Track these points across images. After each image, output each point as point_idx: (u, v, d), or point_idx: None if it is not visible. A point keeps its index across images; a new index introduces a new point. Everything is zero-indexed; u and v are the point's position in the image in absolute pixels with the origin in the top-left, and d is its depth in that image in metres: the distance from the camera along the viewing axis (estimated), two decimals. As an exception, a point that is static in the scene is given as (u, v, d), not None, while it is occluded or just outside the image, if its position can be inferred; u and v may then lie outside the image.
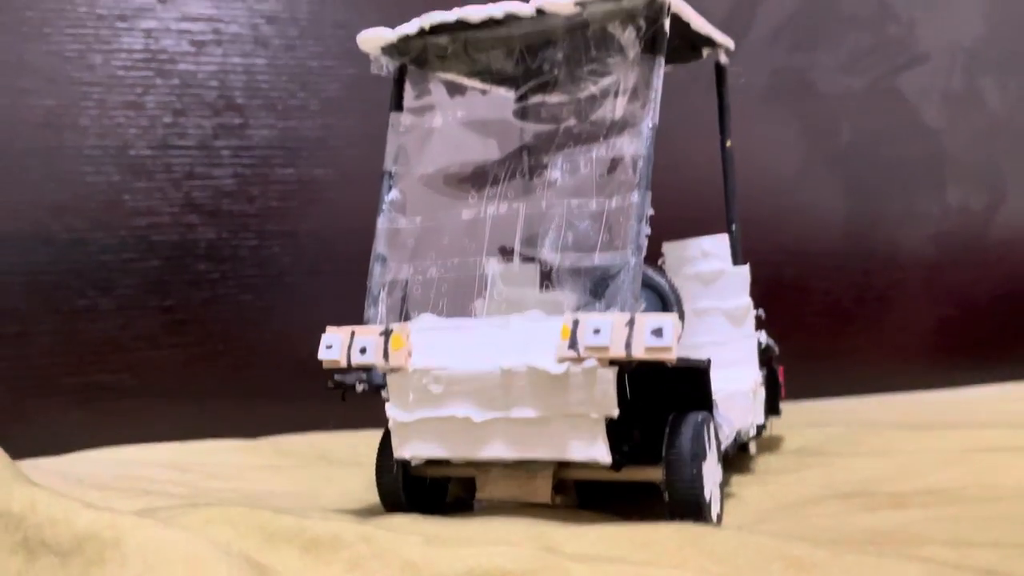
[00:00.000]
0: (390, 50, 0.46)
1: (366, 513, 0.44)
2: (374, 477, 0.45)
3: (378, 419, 0.44)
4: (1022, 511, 0.37)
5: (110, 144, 0.74)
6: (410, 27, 0.44)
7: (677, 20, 0.44)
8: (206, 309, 0.77)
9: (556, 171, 0.42)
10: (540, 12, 0.41)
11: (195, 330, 0.77)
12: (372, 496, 0.48)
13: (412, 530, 0.38)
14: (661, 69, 0.40)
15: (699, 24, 0.47)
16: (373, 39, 0.45)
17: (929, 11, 1.02)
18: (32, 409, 0.72)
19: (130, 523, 0.31)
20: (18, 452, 0.59)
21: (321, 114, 0.80)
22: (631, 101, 0.40)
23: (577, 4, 0.40)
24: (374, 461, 0.45)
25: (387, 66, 0.46)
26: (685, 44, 0.52)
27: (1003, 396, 0.88)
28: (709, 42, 0.52)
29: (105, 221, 0.74)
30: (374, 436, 0.46)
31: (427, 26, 0.43)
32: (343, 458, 0.64)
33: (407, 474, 0.44)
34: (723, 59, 0.55)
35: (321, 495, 0.53)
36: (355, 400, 0.46)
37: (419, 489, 0.45)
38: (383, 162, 0.46)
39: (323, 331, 0.42)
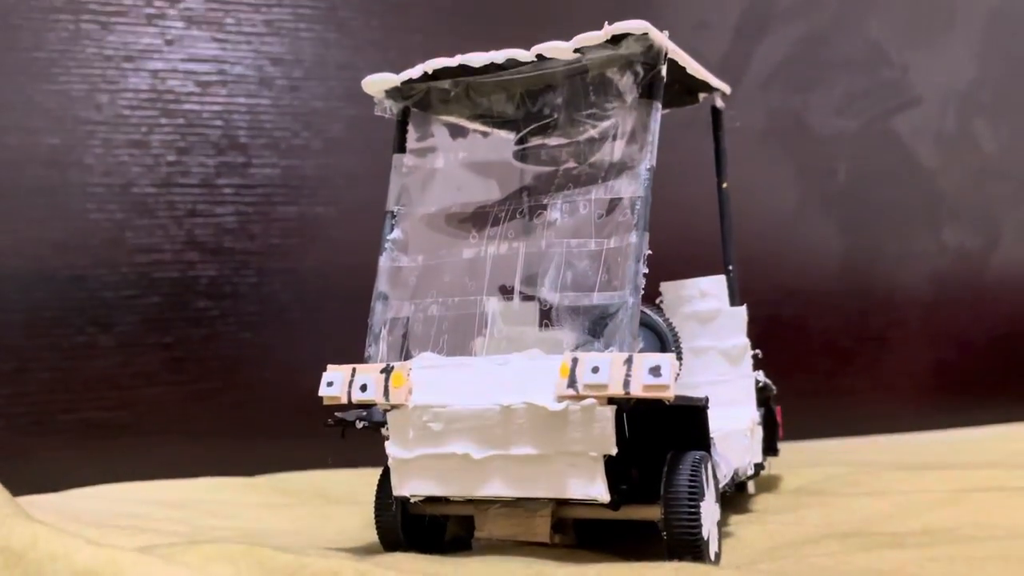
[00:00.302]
0: (394, 93, 0.47)
1: (364, 551, 0.44)
2: (373, 515, 0.45)
3: (376, 458, 0.45)
4: (1017, 551, 0.37)
5: (114, 182, 0.75)
6: (414, 72, 0.45)
7: (674, 66, 0.45)
8: (205, 346, 0.77)
9: (555, 212, 0.42)
10: (541, 58, 0.42)
11: (194, 367, 0.77)
12: (371, 534, 0.48)
13: (410, 568, 0.38)
14: (658, 113, 0.40)
15: (695, 69, 0.48)
16: (378, 83, 0.46)
17: (922, 55, 1.04)
18: (29, 446, 0.72)
19: (130, 560, 0.31)
20: (15, 489, 0.59)
21: (323, 153, 0.81)
22: (629, 144, 0.41)
23: (576, 51, 0.41)
24: (372, 499, 0.45)
25: (391, 109, 0.47)
26: (682, 89, 0.53)
27: (1000, 437, 0.88)
28: (705, 87, 0.53)
29: (107, 258, 0.75)
30: (372, 474, 0.46)
31: (431, 71, 0.44)
32: (341, 496, 0.64)
33: (406, 512, 0.44)
34: (719, 103, 0.56)
35: (319, 533, 0.53)
36: (354, 438, 0.46)
37: (418, 527, 0.45)
38: (385, 201, 0.47)
39: (323, 368, 0.43)
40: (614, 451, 0.38)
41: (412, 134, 0.47)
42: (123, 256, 0.75)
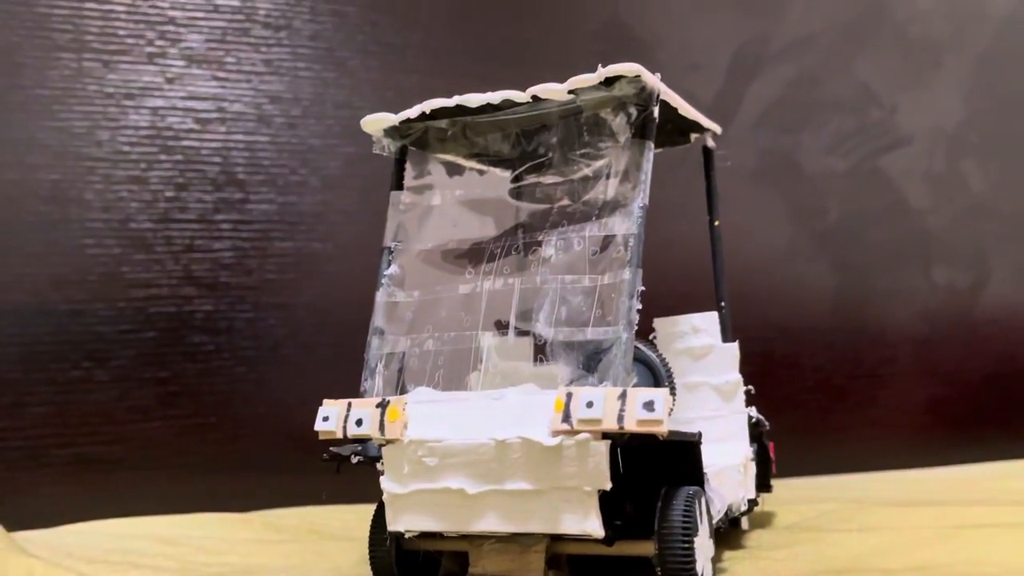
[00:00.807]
0: (392, 132, 0.48)
1: (358, 587, 0.44)
2: (367, 551, 0.45)
3: (370, 494, 0.45)
4: (1011, 588, 0.38)
5: (112, 217, 0.76)
6: (412, 112, 0.46)
7: (666, 107, 0.46)
8: (200, 381, 0.77)
9: (550, 248, 0.43)
10: (536, 99, 0.43)
11: (188, 402, 0.77)
12: (364, 571, 0.47)
13: (405, 604, 0.38)
14: (651, 153, 0.41)
15: (687, 110, 0.49)
16: (377, 122, 0.47)
17: (911, 96, 1.06)
18: (22, 481, 0.72)
19: (125, 594, 0.31)
20: (7, 524, 0.58)
21: (321, 190, 0.82)
22: (622, 183, 0.41)
23: (571, 92, 0.42)
24: (367, 535, 0.45)
25: (389, 147, 0.48)
26: (674, 129, 0.54)
27: (992, 474, 0.88)
28: (697, 127, 0.54)
29: (104, 293, 0.75)
30: (366, 510, 0.46)
31: (428, 110, 0.45)
32: (335, 532, 0.63)
33: (400, 548, 0.44)
34: (710, 143, 0.57)
35: (313, 570, 0.53)
36: (348, 474, 0.46)
37: (412, 563, 0.45)
38: (381, 237, 0.48)
39: (318, 403, 0.43)
40: (608, 486, 0.38)
41: (409, 172, 0.48)
42: (120, 291, 0.75)
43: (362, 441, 0.43)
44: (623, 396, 0.37)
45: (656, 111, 0.42)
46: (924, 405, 1.03)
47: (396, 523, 0.42)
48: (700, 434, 0.43)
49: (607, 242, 0.41)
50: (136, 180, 0.77)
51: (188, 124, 0.79)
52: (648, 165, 0.41)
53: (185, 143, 0.78)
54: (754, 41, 0.99)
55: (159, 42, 0.78)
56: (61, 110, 0.75)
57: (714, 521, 0.44)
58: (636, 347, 0.48)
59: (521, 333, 0.44)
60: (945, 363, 1.04)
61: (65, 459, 0.73)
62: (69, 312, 0.74)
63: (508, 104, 0.44)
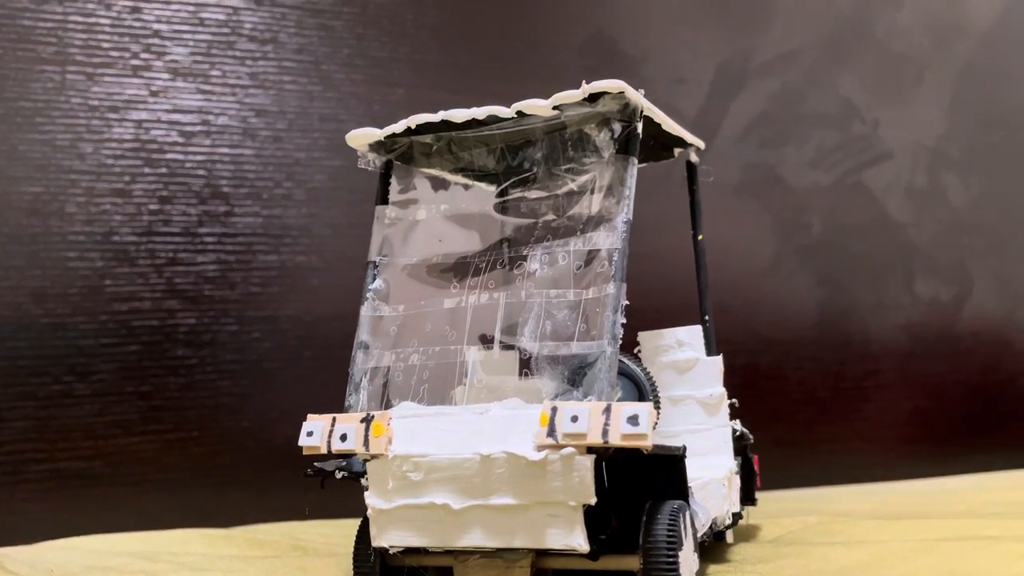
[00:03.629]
0: (377, 147, 0.48)
1: (342, 604, 0.44)
2: (350, 567, 0.45)
3: (354, 509, 0.45)
4: (993, 601, 0.38)
5: (95, 230, 0.75)
6: (398, 127, 0.46)
7: (649, 122, 0.46)
8: (182, 395, 0.77)
9: (535, 263, 0.43)
10: (520, 114, 0.43)
11: (170, 417, 0.76)
12: (348, 586, 0.47)
13: (389, 620, 0.38)
14: (635, 168, 0.41)
15: (670, 126, 0.49)
16: (362, 137, 0.47)
17: (892, 110, 1.07)
18: (3, 497, 0.71)
19: (105, 612, 0.31)
20: (-12, 540, 0.58)
21: (306, 203, 0.82)
22: (607, 197, 0.42)
23: (555, 108, 0.42)
24: (350, 551, 0.45)
25: (374, 161, 0.48)
26: (658, 144, 0.54)
27: (976, 487, 0.89)
28: (680, 142, 0.54)
29: (86, 307, 0.75)
30: (350, 526, 0.46)
31: (414, 125, 0.45)
32: (319, 548, 0.63)
33: (384, 564, 0.44)
34: (693, 158, 0.57)
35: (296, 585, 0.52)
36: (331, 489, 0.46)
37: (396, 579, 0.45)
38: (366, 251, 0.48)
39: (302, 418, 0.43)
40: (593, 500, 0.38)
41: (395, 186, 0.48)
42: (102, 304, 0.75)
43: (346, 456, 0.43)
44: (608, 410, 0.37)
45: (640, 127, 0.42)
46: (908, 417, 1.04)
47: (380, 539, 0.41)
48: (685, 448, 0.43)
49: (592, 256, 0.41)
50: (119, 193, 0.77)
51: (172, 137, 0.78)
52: (632, 180, 0.41)
53: (169, 156, 0.78)
54: (738, 56, 1.00)
55: (144, 55, 0.78)
56: (44, 122, 0.75)
57: (699, 535, 0.44)
58: (621, 361, 0.48)
59: (506, 347, 0.44)
60: (928, 376, 1.05)
61: (45, 474, 0.72)
62: (50, 326, 0.73)
63: (493, 119, 0.44)
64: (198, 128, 0.79)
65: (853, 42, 1.06)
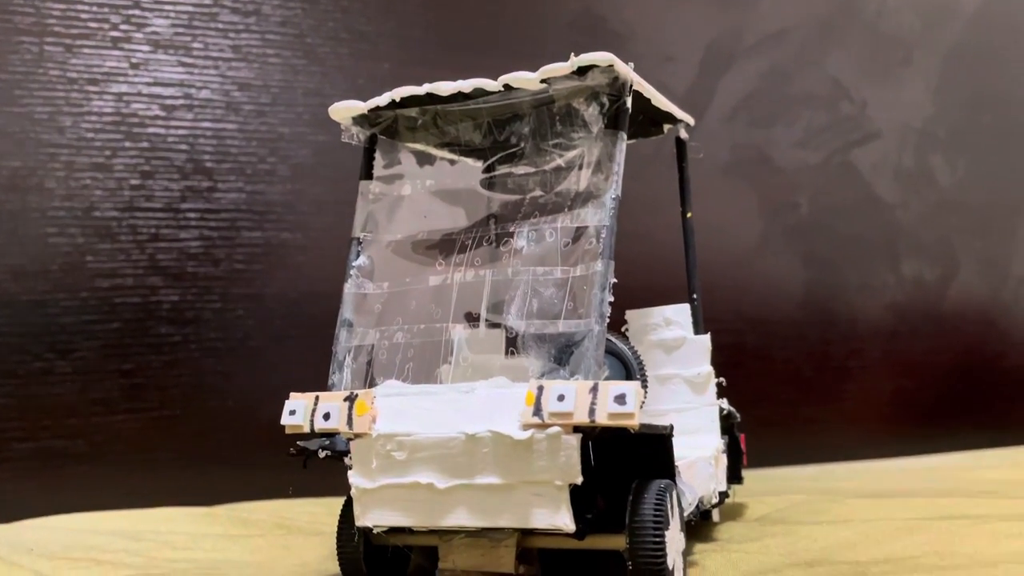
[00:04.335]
0: (361, 120, 0.47)
1: (326, 583, 0.43)
2: (335, 546, 0.45)
3: (338, 487, 0.44)
4: (978, 580, 0.38)
5: (75, 206, 0.74)
6: (382, 99, 0.45)
7: (639, 97, 0.45)
8: (166, 373, 0.76)
9: (522, 240, 0.42)
10: (508, 88, 0.42)
11: (154, 395, 0.75)
12: (332, 566, 0.47)
13: (373, 600, 0.38)
14: (624, 144, 0.41)
15: (660, 101, 0.48)
16: (345, 109, 0.46)
17: (881, 91, 1.07)
18: (-19, 475, 0.70)
19: (83, 593, 0.30)
20: (-34, 519, 0.57)
21: (290, 179, 0.81)
22: (595, 174, 0.41)
23: (543, 81, 0.41)
24: (335, 530, 0.45)
25: (358, 136, 0.47)
26: (647, 120, 0.54)
27: (961, 465, 0.90)
28: (670, 118, 0.53)
29: (67, 283, 0.73)
30: (334, 504, 0.46)
31: (398, 98, 0.44)
32: (303, 527, 0.63)
33: (369, 543, 0.44)
34: (683, 134, 0.57)
35: (279, 565, 0.52)
36: (316, 468, 0.45)
37: (381, 559, 0.44)
38: (351, 228, 0.47)
39: (286, 396, 0.42)
40: (579, 480, 0.37)
41: (379, 161, 0.47)
42: (84, 281, 0.74)
43: (330, 435, 0.43)
44: (595, 389, 0.36)
45: (629, 101, 0.41)
46: (892, 396, 1.04)
47: (364, 518, 0.41)
48: (671, 427, 0.42)
49: (579, 234, 0.41)
50: (100, 168, 0.75)
51: (154, 111, 0.77)
52: (621, 156, 0.41)
53: (151, 130, 0.77)
54: (727, 35, 0.99)
55: (124, 26, 0.76)
56: (22, 95, 0.73)
57: (685, 514, 0.44)
58: (608, 339, 0.48)
59: (492, 325, 0.44)
60: (913, 355, 1.05)
61: (26, 453, 0.71)
62: (30, 303, 0.72)
63: (480, 93, 0.43)
64: (180, 102, 0.78)
65: (842, 22, 1.05)
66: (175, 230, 0.77)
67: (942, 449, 1.02)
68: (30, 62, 0.74)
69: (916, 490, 0.69)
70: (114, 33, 0.76)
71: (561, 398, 0.37)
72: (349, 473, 0.41)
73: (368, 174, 0.47)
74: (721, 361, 0.58)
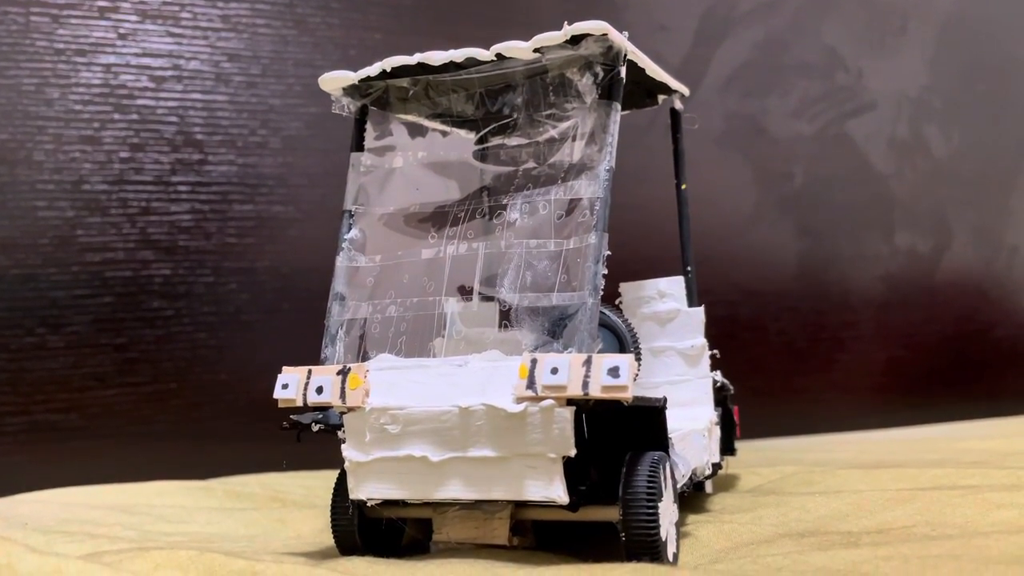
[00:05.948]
0: (352, 91, 0.46)
1: (320, 556, 0.43)
2: (329, 519, 0.45)
3: (333, 460, 0.44)
4: (970, 550, 0.38)
5: (65, 179, 0.74)
6: (372, 69, 0.44)
7: (633, 67, 0.45)
8: (159, 347, 0.76)
9: (515, 212, 0.42)
10: (500, 57, 0.42)
11: (147, 369, 0.75)
12: (327, 538, 0.47)
13: (367, 573, 0.38)
14: (618, 114, 0.40)
15: (654, 71, 0.48)
16: (335, 80, 0.45)
17: (876, 61, 1.06)
18: (-25, 449, 0.70)
19: (75, 568, 0.30)
20: (-41, 494, 0.57)
21: (282, 152, 0.80)
22: (588, 145, 0.41)
23: (536, 50, 0.41)
24: (329, 503, 0.45)
25: (348, 107, 0.47)
26: (641, 90, 0.53)
27: (952, 435, 0.90)
28: (664, 88, 0.53)
29: (57, 257, 0.73)
30: (329, 477, 0.46)
31: (389, 68, 0.44)
32: (297, 500, 0.63)
33: (363, 516, 0.44)
34: (678, 105, 0.56)
35: (274, 537, 0.52)
36: (310, 441, 0.45)
37: (375, 531, 0.44)
38: (343, 201, 0.46)
39: (279, 370, 0.42)
40: (573, 452, 0.37)
41: (370, 132, 0.47)
42: (74, 255, 0.73)
43: (323, 409, 0.42)
44: (588, 362, 0.36)
45: (623, 71, 0.41)
46: (884, 367, 1.05)
47: (358, 491, 0.41)
48: (665, 399, 0.42)
49: (573, 206, 0.40)
50: (89, 140, 0.74)
51: (143, 82, 0.76)
52: (615, 127, 0.40)
53: (140, 102, 0.76)
54: (722, 3, 0.98)
55: (110, -4, 0.75)
56: (8, 67, 0.72)
57: (679, 486, 0.44)
58: (601, 312, 0.48)
59: (486, 299, 0.43)
60: (905, 326, 1.06)
61: (19, 427, 0.71)
62: (20, 277, 0.72)
63: (472, 63, 0.42)
64: (169, 73, 0.77)
65: (839, -10, 1.04)
66: (166, 203, 0.76)
67: (933, 419, 1.03)
68: (16, 33, 0.73)
69: (907, 460, 0.69)
70: (101, 3, 0.75)
71: (555, 371, 0.37)
72: (342, 446, 0.41)
73: (359, 146, 0.47)
74: (714, 333, 0.58)
